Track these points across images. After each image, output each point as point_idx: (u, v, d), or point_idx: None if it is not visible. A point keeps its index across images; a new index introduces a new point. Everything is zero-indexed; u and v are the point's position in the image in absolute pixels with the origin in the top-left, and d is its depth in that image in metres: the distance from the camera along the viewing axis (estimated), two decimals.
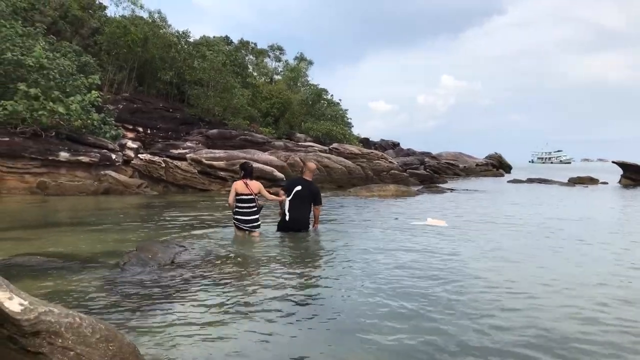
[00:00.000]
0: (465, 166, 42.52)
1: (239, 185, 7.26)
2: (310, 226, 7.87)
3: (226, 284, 4.90)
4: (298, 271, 5.47)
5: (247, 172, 7.37)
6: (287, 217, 7.53)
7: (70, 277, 5.01)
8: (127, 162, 19.62)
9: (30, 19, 21.77)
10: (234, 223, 7.45)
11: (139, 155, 19.57)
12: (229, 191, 7.50)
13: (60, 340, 2.09)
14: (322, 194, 8.06)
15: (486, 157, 50.23)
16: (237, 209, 7.31)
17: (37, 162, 15.59)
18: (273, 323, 3.79)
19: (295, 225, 7.60)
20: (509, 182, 28.57)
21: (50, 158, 15.73)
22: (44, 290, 4.50)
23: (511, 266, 6.01)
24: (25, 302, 2.06)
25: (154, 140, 25.65)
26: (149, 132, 26.69)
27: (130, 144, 20.48)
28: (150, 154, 20.49)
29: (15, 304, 2.01)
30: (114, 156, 17.67)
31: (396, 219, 10.36)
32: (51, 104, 15.11)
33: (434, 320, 3.87)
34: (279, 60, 48.24)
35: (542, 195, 19.18)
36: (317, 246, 7.03)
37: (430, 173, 29.29)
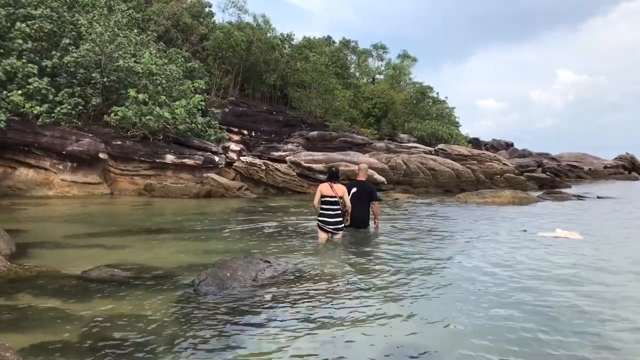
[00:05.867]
0: (590, 168, 38.08)
1: (324, 188, 7.31)
2: (372, 224, 8.36)
3: (312, 314, 4.00)
4: (398, 299, 4.40)
5: (332, 175, 7.47)
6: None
7: (140, 297, 4.45)
8: (230, 164, 19.88)
9: (147, 29, 23.06)
10: (318, 224, 7.40)
11: (241, 157, 19.72)
12: None
13: None
14: (427, 199, 7.64)
15: (616, 158, 44.64)
16: (322, 211, 7.32)
17: (146, 165, 16.19)
18: None
19: (354, 222, 7.90)
20: None
21: (157, 161, 16.26)
22: (108, 314, 3.97)
23: None
24: None
25: (258, 143, 25.93)
26: (253, 134, 27.10)
27: (233, 146, 20.74)
28: (252, 156, 20.59)
29: None
30: (217, 159, 17.89)
31: (524, 230, 8.80)
32: (158, 108, 15.54)
33: None
34: (382, 60, 47.10)
35: None
36: (420, 264, 5.87)
37: (550, 176, 26.23)
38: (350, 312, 4.10)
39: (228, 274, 4.94)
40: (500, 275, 5.40)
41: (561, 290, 4.80)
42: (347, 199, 7.43)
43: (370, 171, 17.63)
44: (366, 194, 8.17)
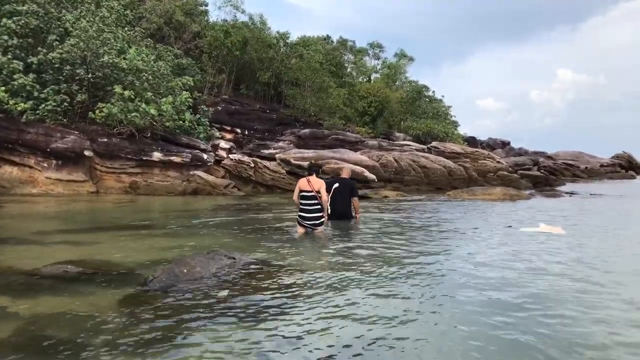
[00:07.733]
0: (587, 167, 37.87)
1: (302, 183, 7.40)
2: (353, 219, 8.84)
3: (267, 311, 3.81)
4: (370, 295, 4.19)
5: (310, 169, 7.68)
6: (329, 210, 7.92)
7: (88, 294, 4.26)
8: (220, 162, 19.66)
9: (139, 26, 22.83)
10: (297, 220, 7.53)
11: (230, 155, 19.52)
12: None
13: None
14: (417, 197, 8.59)
15: (613, 157, 44.44)
16: (300, 206, 7.42)
17: (133, 162, 15.99)
18: None
19: (335, 215, 8.31)
20: None
21: (144, 158, 16.06)
22: (50, 311, 3.78)
23: None
24: None
25: (251, 141, 25.64)
26: (246, 133, 26.81)
27: (222, 144, 20.49)
28: (241, 154, 20.38)
29: None
30: (205, 156, 17.68)
31: (510, 226, 8.65)
32: (144, 105, 15.34)
33: None
34: (378, 58, 46.77)
35: None
36: (393, 259, 5.67)
37: (545, 174, 26.04)
38: (309, 308, 3.90)
39: (185, 270, 4.75)
40: (479, 269, 5.24)
41: (539, 283, 4.61)
42: (324, 192, 7.39)
43: (360, 169, 17.46)
44: (347, 189, 8.76)
